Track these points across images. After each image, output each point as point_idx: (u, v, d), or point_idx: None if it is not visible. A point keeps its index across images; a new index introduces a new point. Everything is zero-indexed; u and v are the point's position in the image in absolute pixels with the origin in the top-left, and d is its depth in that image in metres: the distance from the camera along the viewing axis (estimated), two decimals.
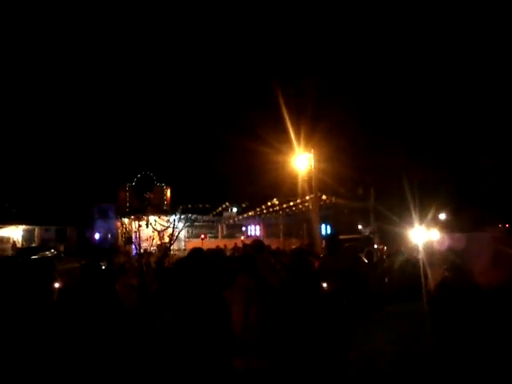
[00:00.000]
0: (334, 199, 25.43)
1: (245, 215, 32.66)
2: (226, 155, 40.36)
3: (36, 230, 39.86)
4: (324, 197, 23.42)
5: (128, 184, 37.44)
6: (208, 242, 36.39)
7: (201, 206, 29.05)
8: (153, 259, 21.79)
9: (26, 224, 38.21)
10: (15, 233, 38.04)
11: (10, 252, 33.67)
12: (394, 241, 15.64)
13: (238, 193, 33.01)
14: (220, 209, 30.16)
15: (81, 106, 52.03)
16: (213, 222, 35.34)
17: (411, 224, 18.77)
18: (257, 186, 27.56)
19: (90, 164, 42.54)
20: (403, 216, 20.50)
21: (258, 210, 28.77)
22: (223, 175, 35.61)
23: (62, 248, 36.79)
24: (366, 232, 34.47)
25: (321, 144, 20.30)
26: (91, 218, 38.93)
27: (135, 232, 30.95)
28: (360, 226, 39.10)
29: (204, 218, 33.77)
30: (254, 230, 41.78)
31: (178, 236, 31.72)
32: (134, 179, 37.96)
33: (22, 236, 38.83)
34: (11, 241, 37.22)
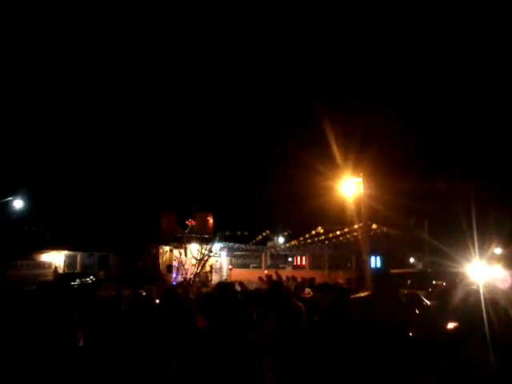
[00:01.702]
0: (385, 229, 23.49)
1: (287, 245, 31.12)
2: (268, 181, 39.12)
3: (78, 255, 39.66)
4: (374, 226, 21.55)
5: (170, 211, 36.61)
6: (250, 272, 35.11)
7: (239, 233, 27.72)
8: (193, 289, 20.37)
9: (68, 249, 37.98)
10: (57, 258, 37.81)
11: (50, 277, 33.48)
12: (451, 277, 13.84)
13: (281, 221, 31.67)
14: (260, 237, 28.63)
15: (125, 131, 52.22)
16: (255, 251, 33.89)
17: (469, 260, 17.00)
18: (301, 213, 26.14)
19: (133, 190, 42.13)
20: (461, 250, 18.58)
21: (301, 239, 27.07)
22: (266, 202, 34.40)
23: (101, 275, 36.34)
24: (420, 266, 32.31)
25: (371, 168, 18.66)
26: (134, 245, 38.37)
27: (175, 260, 29.86)
28: (412, 260, 36.95)
29: (247, 246, 32.47)
30: (300, 261, 40.24)
31: (220, 265, 30.31)
32: (177, 206, 37.09)
33: (64, 261, 38.56)
34: (53, 266, 36.91)
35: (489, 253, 21.24)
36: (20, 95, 46.60)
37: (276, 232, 31.10)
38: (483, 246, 22.84)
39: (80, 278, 31.17)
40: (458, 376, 2.30)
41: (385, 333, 5.01)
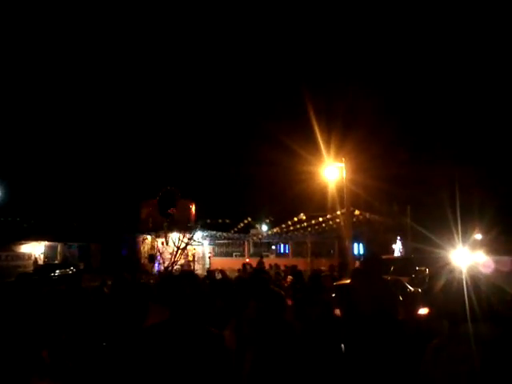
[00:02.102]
0: (367, 215, 23.26)
1: (269, 232, 30.81)
2: (250, 167, 38.72)
3: (58, 246, 39.13)
4: (357, 212, 21.30)
5: (151, 199, 36.07)
6: (233, 260, 34.81)
7: (220, 221, 27.30)
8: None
9: (48, 240, 37.48)
10: (37, 249, 37.28)
11: (30, 269, 32.93)
12: (433, 263, 13.70)
13: (263, 208, 31.30)
14: (242, 224, 28.25)
15: (103, 119, 51.44)
16: (238, 239, 33.53)
17: (452, 245, 16.90)
18: (283, 200, 25.84)
19: (113, 179, 41.52)
20: (444, 236, 18.46)
21: (283, 226, 26.73)
22: (247, 189, 34.01)
23: (81, 265, 35.90)
24: (402, 252, 32.30)
25: (353, 153, 18.36)
26: (115, 235, 37.90)
27: (158, 250, 29.51)
28: (394, 246, 36.95)
29: (229, 235, 32.10)
30: (284, 249, 40.03)
31: (202, 254, 29.98)
32: (158, 194, 36.52)
33: (44, 252, 38.01)
34: (32, 257, 36.37)
35: (471, 239, 21.21)
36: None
37: (258, 219, 30.75)
38: (466, 232, 22.83)
39: (60, 269, 30.65)
40: (453, 350, 2.42)
41: (371, 318, 4.99)
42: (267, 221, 29.28)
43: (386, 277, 10.57)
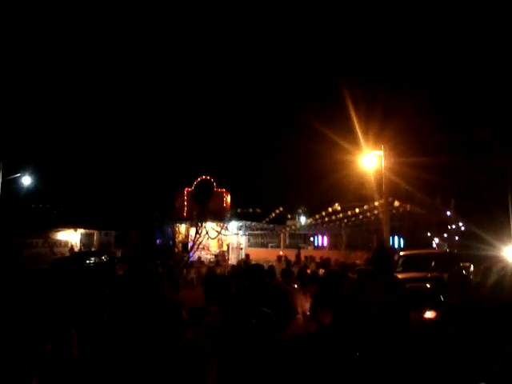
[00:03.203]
0: (408, 207, 22.03)
1: (303, 223, 29.88)
2: (285, 156, 37.75)
3: (95, 234, 39.31)
4: (396, 203, 20.12)
5: (186, 188, 35.63)
6: (268, 252, 34.15)
7: (251, 210, 26.54)
8: (204, 269, 19.40)
9: (84, 228, 37.65)
10: (74, 237, 37.56)
11: (66, 256, 33.22)
12: (481, 259, 12.56)
13: (297, 198, 30.35)
14: (273, 215, 27.38)
15: (141, 106, 51.43)
16: (272, 230, 32.75)
17: (504, 242, 15.62)
18: (318, 190, 24.86)
19: (151, 168, 41.40)
20: (494, 233, 17.16)
21: (317, 216, 25.72)
22: (281, 178, 33.07)
23: (119, 253, 35.93)
24: (444, 247, 30.97)
25: (393, 140, 17.23)
26: (152, 224, 37.77)
27: (191, 239, 29.05)
28: (436, 240, 35.63)
29: (264, 225, 31.37)
30: (322, 241, 39.14)
31: (237, 244, 29.32)
32: (194, 183, 36.08)
33: (81, 240, 38.27)
34: (69, 245, 36.68)
35: None
36: (29, 73, 46.00)
37: (291, 210, 29.79)
38: None
39: (95, 257, 30.55)
40: None
41: (375, 325, 4.66)
42: (300, 211, 28.30)
43: (425, 273, 9.55)
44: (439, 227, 31.53)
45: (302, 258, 26.11)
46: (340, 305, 4.65)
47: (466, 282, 6.18)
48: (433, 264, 10.51)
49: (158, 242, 36.09)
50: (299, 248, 32.09)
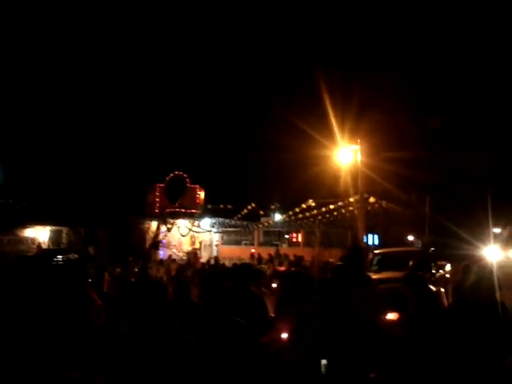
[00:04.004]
0: (384, 204, 21.59)
1: (275, 220, 29.27)
2: (257, 149, 36.99)
3: (64, 231, 38.20)
4: (372, 199, 19.63)
5: (157, 184, 34.69)
6: (242, 249, 33.53)
7: (222, 206, 25.88)
8: (174, 266, 18.59)
9: (53, 225, 36.53)
10: (42, 234, 36.44)
11: (33, 254, 32.14)
12: (458, 258, 12.11)
13: (270, 194, 29.73)
14: (245, 211, 26.75)
15: (110, 101, 50.21)
16: (246, 227, 32.11)
17: (482, 240, 15.28)
18: (291, 186, 24.29)
19: (120, 164, 40.33)
20: (471, 230, 16.78)
21: (290, 213, 25.15)
22: (254, 173, 32.40)
23: (92, 251, 35.04)
24: (418, 245, 30.77)
25: (369, 134, 16.70)
26: (122, 220, 36.85)
27: (162, 237, 28.42)
28: (411, 238, 35.45)
29: (238, 222, 30.69)
30: (296, 238, 38.70)
31: (210, 242, 28.67)
32: (166, 179, 35.16)
33: (49, 237, 37.16)
34: (36, 242, 35.60)
35: (506, 234, 19.49)
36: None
37: (264, 206, 29.17)
38: (499, 226, 20.96)
39: (64, 254, 29.79)
40: None
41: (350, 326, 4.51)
42: (273, 207, 27.73)
43: (402, 273, 9.01)
44: (414, 224, 31.24)
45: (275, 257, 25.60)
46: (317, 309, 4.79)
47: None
48: (410, 263, 9.96)
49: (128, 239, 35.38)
50: (277, 245, 31.53)
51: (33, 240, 35.55)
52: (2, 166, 31.72)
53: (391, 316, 6.90)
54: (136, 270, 17.82)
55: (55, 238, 37.52)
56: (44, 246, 35.02)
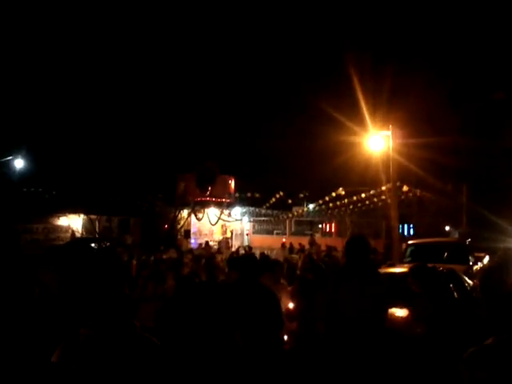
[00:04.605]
0: (418, 192, 20.78)
1: (306, 209, 28.66)
2: (283, 137, 36.31)
3: (98, 219, 38.60)
4: (405, 188, 18.87)
5: (188, 173, 34.61)
6: (273, 239, 33.19)
7: (249, 195, 25.45)
8: (206, 255, 18.37)
9: (86, 213, 36.90)
10: (75, 222, 36.91)
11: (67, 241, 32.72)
12: (495, 250, 11.42)
13: (299, 182, 29.15)
14: (273, 200, 26.24)
15: (140, 94, 50.37)
16: (276, 216, 31.69)
17: None
18: (320, 173, 23.68)
19: (153, 152, 40.47)
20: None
21: (320, 202, 24.52)
22: (281, 160, 31.86)
23: (129, 239, 35.44)
24: (456, 235, 29.85)
25: (403, 119, 15.96)
26: (154, 209, 37.05)
27: (193, 225, 28.28)
28: (447, 228, 34.46)
29: (268, 211, 30.30)
30: (330, 227, 38.21)
31: (241, 231, 28.44)
32: (196, 168, 35.02)
33: (83, 225, 37.58)
34: (70, 230, 36.09)
35: None
36: (20, 55, 45.01)
37: (293, 195, 28.58)
38: None
39: (97, 243, 30.19)
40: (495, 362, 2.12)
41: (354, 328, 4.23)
42: (301, 196, 27.15)
43: (437, 266, 8.53)
44: (450, 214, 30.23)
45: (307, 247, 25.08)
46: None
47: None
48: (445, 255, 9.32)
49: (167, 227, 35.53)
50: (312, 235, 31.06)
51: (67, 228, 36.01)
52: (32, 154, 32.07)
53: (401, 313, 6.30)
54: (164, 257, 17.75)
55: (88, 227, 37.93)
56: (78, 235, 35.47)
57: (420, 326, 4.64)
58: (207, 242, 26.40)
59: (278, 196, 25.20)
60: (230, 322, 4.04)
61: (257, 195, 25.73)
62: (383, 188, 18.15)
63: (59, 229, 36.02)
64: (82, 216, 36.67)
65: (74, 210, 35.34)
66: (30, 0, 44.34)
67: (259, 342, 4.10)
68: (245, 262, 5.14)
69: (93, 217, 37.43)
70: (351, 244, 4.68)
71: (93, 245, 29.14)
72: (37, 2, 44.50)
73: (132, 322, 2.64)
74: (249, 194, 25.27)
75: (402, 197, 19.88)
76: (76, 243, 29.87)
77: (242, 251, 22.38)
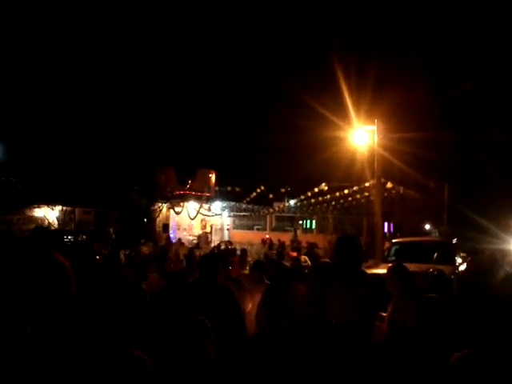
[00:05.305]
0: (401, 189, 20.50)
1: (287, 204, 28.34)
2: (264, 130, 35.88)
3: (75, 211, 37.87)
4: (389, 185, 18.55)
5: (169, 166, 33.99)
6: (253, 234, 32.82)
7: (229, 189, 25.02)
8: (182, 251, 17.75)
9: (62, 205, 36.15)
10: (51, 214, 36.13)
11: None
12: (477, 251, 11.15)
13: (280, 176, 28.73)
14: (254, 194, 25.84)
15: (122, 84, 49.56)
16: (257, 212, 31.29)
17: (508, 232, 14.24)
18: (303, 168, 23.28)
19: (132, 146, 39.75)
20: (496, 221, 15.68)
21: (301, 197, 24.17)
22: (262, 154, 31.42)
23: (112, 233, 34.83)
24: (436, 234, 29.93)
25: (388, 114, 15.59)
26: (133, 202, 36.41)
27: (172, 219, 27.71)
28: (427, 226, 34.55)
29: (249, 206, 29.88)
30: (310, 224, 37.98)
31: (221, 226, 27.95)
32: (176, 162, 34.41)
33: (57, 217, 36.77)
34: (45, 222, 35.25)
35: None
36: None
37: (274, 189, 28.22)
38: None
39: (73, 235, 29.60)
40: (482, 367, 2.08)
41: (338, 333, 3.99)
42: (283, 190, 26.80)
43: (427, 266, 8.20)
44: (431, 213, 30.23)
45: (288, 243, 24.75)
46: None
47: None
48: (435, 255, 8.94)
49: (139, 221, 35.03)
50: (295, 230, 30.71)
51: (42, 220, 35.23)
52: (4, 143, 31.15)
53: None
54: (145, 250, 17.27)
55: (64, 219, 37.17)
56: (53, 227, 34.70)
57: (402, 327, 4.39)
58: (179, 239, 25.92)
59: (258, 190, 24.81)
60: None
61: (237, 189, 25.29)
62: (367, 184, 17.84)
63: (34, 220, 35.20)
64: (57, 207, 35.96)
65: (49, 202, 34.62)
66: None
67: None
68: (205, 260, 5.00)
69: (69, 209, 36.77)
70: (342, 244, 4.24)
71: (70, 237, 28.60)
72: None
73: (126, 337, 2.62)
74: (229, 188, 24.78)
75: (386, 194, 19.59)
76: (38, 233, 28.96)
77: (222, 246, 21.96)
